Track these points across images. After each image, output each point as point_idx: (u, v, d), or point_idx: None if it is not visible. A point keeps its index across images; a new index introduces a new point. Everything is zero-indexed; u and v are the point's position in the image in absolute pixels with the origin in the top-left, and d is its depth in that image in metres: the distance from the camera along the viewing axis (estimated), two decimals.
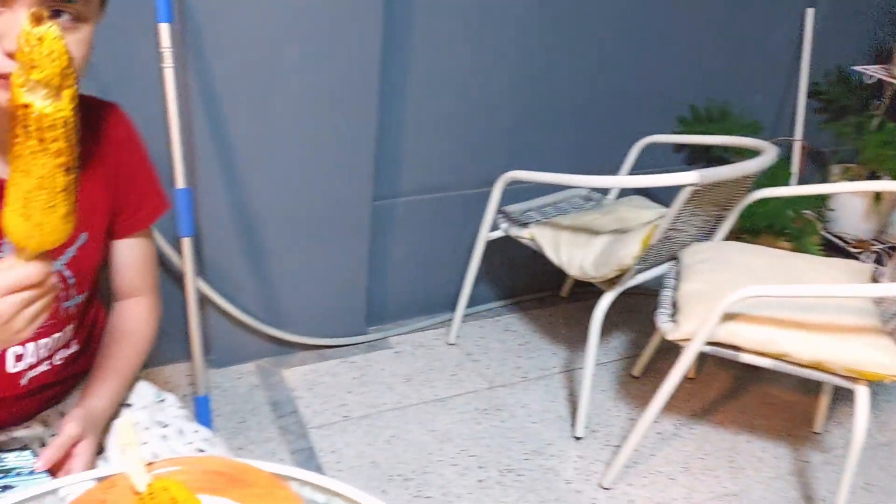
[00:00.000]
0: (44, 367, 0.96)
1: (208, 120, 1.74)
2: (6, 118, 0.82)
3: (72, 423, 0.90)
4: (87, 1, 0.75)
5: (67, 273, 0.93)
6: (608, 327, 2.32)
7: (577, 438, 1.92)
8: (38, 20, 0.58)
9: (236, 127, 1.77)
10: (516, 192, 2.12)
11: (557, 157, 2.32)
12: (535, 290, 2.53)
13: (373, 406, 1.99)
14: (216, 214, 1.86)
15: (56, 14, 0.73)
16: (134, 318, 1.06)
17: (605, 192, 2.29)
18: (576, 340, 2.32)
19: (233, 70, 1.70)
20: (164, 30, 1.54)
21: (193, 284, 1.79)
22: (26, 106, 0.62)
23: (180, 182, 1.68)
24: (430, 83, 2.03)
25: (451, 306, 2.36)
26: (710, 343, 1.56)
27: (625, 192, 2.27)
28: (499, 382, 2.11)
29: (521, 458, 1.85)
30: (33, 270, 0.68)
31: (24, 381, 0.94)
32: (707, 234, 1.95)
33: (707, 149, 2.49)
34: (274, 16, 1.68)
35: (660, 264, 1.91)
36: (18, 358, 0.92)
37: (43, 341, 0.93)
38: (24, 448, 0.93)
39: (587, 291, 2.51)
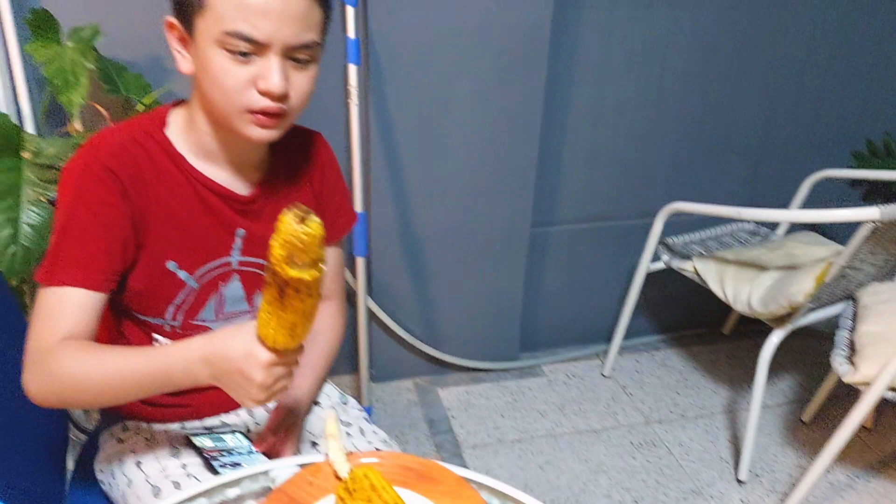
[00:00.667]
0: None
1: (384, 151, 1.87)
2: (254, 150, 0.97)
3: (282, 412, 1.01)
4: (318, 46, 0.88)
5: None
6: (774, 368, 2.22)
7: (740, 482, 1.85)
8: (302, 219, 0.69)
9: (408, 157, 1.90)
10: (677, 224, 2.10)
11: (722, 190, 2.28)
12: (695, 325, 2.47)
13: (525, 431, 2.02)
14: (386, 237, 1.99)
15: (295, 60, 0.86)
16: (326, 319, 1.16)
17: (772, 227, 2.21)
18: (739, 380, 2.24)
19: (408, 106, 1.83)
20: (353, 70, 1.69)
21: (364, 301, 1.92)
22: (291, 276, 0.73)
23: (358, 207, 1.82)
24: (591, 114, 2.06)
25: (605, 337, 2.36)
26: (892, 389, 1.47)
27: (794, 228, 2.18)
28: (655, 418, 2.08)
29: (679, 496, 1.81)
30: (293, 359, 0.82)
31: None
32: (888, 274, 1.83)
33: (887, 185, 2.34)
34: (448, 57, 1.80)
35: (834, 303, 1.82)
36: None
37: None
38: (236, 431, 1.05)
39: (751, 329, 2.42)
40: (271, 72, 0.84)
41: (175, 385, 0.83)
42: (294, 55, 0.86)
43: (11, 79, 1.59)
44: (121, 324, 1.02)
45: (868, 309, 1.65)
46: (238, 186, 0.98)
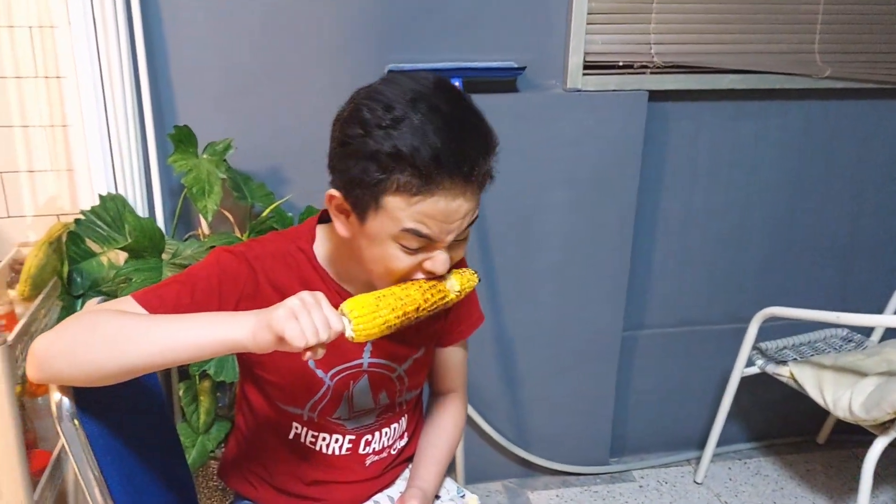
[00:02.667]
0: (383, 455, 1.13)
1: (479, 253, 1.96)
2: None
3: (414, 501, 1.05)
4: (476, 217, 0.93)
5: (405, 376, 1.12)
6: (876, 478, 2.14)
7: None
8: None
9: (502, 259, 1.98)
10: (768, 330, 2.10)
11: (812, 296, 2.28)
12: (788, 433, 2.41)
13: None
14: (479, 338, 2.04)
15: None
16: (450, 412, 1.21)
17: (867, 333, 2.18)
18: (838, 491, 2.15)
19: (504, 209, 1.93)
20: None
21: None
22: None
23: None
24: (680, 220, 2.13)
25: (696, 443, 2.32)
26: None
27: (889, 335, 2.15)
28: None
29: None
30: (339, 327, 0.82)
31: (368, 464, 1.12)
32: None
33: None
34: (545, 164, 1.91)
35: None
36: (367, 443, 1.11)
37: (386, 430, 1.11)
38: None
39: (848, 439, 2.35)
40: (440, 262, 0.91)
41: (198, 332, 0.79)
42: (459, 237, 0.92)
43: (150, 188, 1.76)
44: (264, 408, 1.09)
45: None
46: None
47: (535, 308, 2.04)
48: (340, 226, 0.95)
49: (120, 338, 0.80)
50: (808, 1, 1.95)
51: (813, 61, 1.99)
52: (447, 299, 0.94)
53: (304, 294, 0.80)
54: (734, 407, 2.16)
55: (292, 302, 0.79)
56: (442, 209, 0.86)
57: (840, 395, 1.81)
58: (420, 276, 0.93)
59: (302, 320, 0.78)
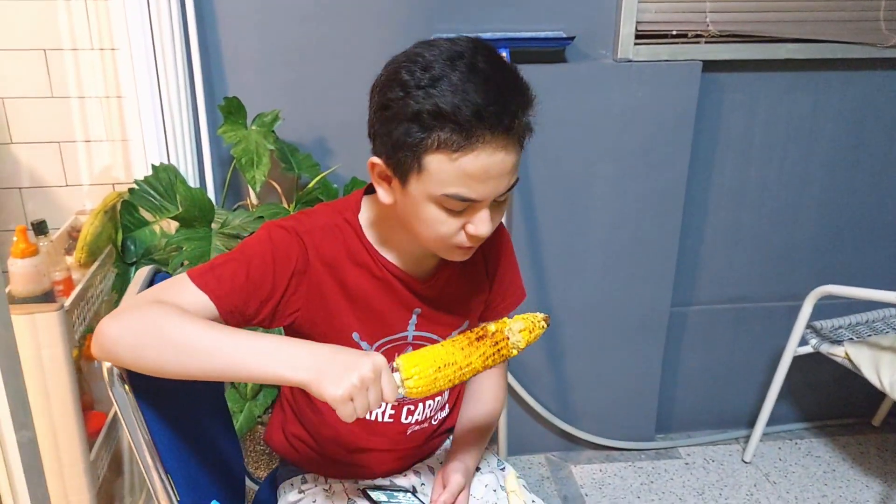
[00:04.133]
0: (425, 425, 1.14)
1: (526, 226, 1.94)
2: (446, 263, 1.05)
3: (457, 475, 1.06)
4: (517, 178, 0.93)
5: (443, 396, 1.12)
6: None
7: None
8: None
9: (548, 233, 1.96)
10: (823, 309, 2.03)
11: (871, 274, 2.20)
12: (842, 415, 2.35)
13: None
14: (526, 310, 2.03)
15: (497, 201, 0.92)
16: (489, 388, 1.22)
17: None
18: (893, 475, 2.10)
19: (552, 184, 1.91)
20: None
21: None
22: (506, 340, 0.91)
23: None
24: (733, 195, 2.07)
25: (745, 422, 2.28)
26: None
27: None
28: None
29: None
30: (393, 399, 0.84)
31: (409, 433, 1.13)
32: None
33: None
34: (594, 137, 1.87)
35: None
36: (409, 412, 1.12)
37: (429, 402, 1.12)
38: (406, 491, 1.11)
39: None
40: (482, 222, 0.90)
41: (258, 363, 0.81)
42: (500, 198, 0.91)
43: (200, 158, 1.80)
44: None
45: None
46: (418, 272, 1.06)
47: (581, 282, 2.02)
48: (384, 193, 0.95)
49: (186, 350, 0.83)
50: None
51: (878, 29, 1.90)
52: (511, 356, 0.93)
53: (365, 369, 0.80)
54: (785, 386, 2.12)
55: (352, 378, 0.79)
56: (484, 164, 0.85)
57: None
58: (465, 242, 0.93)
59: (358, 402, 0.80)
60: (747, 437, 2.19)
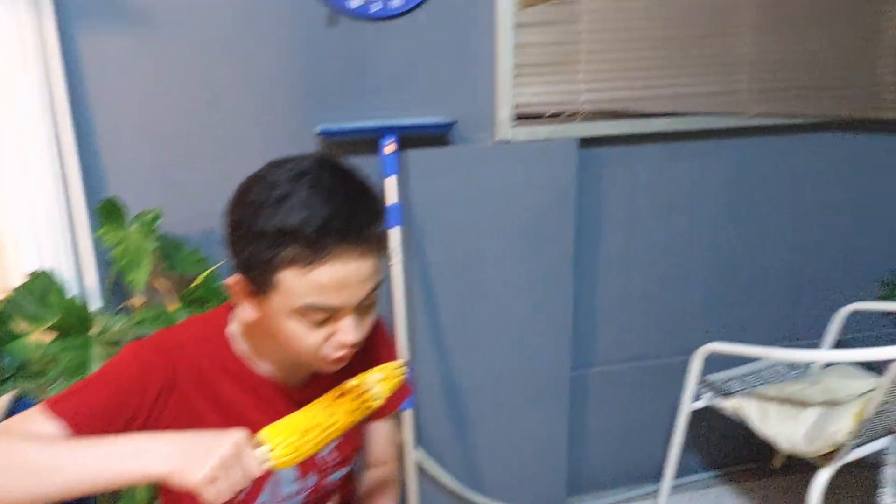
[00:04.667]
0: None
1: (425, 306, 1.96)
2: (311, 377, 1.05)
3: None
4: (379, 282, 0.94)
5: (335, 454, 1.11)
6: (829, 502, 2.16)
7: None
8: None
9: (447, 310, 1.98)
10: (717, 361, 2.12)
11: (758, 326, 2.31)
12: (746, 460, 2.43)
13: None
14: (430, 387, 2.04)
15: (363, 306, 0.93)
16: (382, 483, 1.22)
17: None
18: None
19: (447, 262, 1.94)
20: (395, 232, 1.81)
21: (412, 454, 1.95)
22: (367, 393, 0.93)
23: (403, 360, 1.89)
24: (622, 261, 2.15)
25: (655, 476, 2.33)
26: None
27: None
28: None
29: None
30: (258, 473, 0.84)
31: None
32: None
33: None
34: (481, 216, 1.92)
35: (877, 438, 1.80)
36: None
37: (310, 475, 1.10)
38: None
39: (801, 463, 2.36)
40: (348, 330, 0.91)
41: (118, 464, 0.80)
42: (364, 304, 0.93)
43: (78, 261, 1.74)
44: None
45: None
46: (293, 379, 1.05)
47: (481, 354, 2.05)
48: (247, 308, 0.96)
49: (35, 471, 0.79)
50: (736, 42, 1.99)
51: (744, 100, 2.03)
52: (374, 407, 0.95)
53: (225, 448, 0.80)
54: (691, 438, 2.18)
55: (212, 460, 0.79)
56: (338, 275, 0.87)
57: (782, 427, 1.84)
58: (335, 353, 0.93)
59: (221, 484, 0.79)
60: (658, 492, 2.24)
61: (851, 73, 2.09)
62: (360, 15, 1.75)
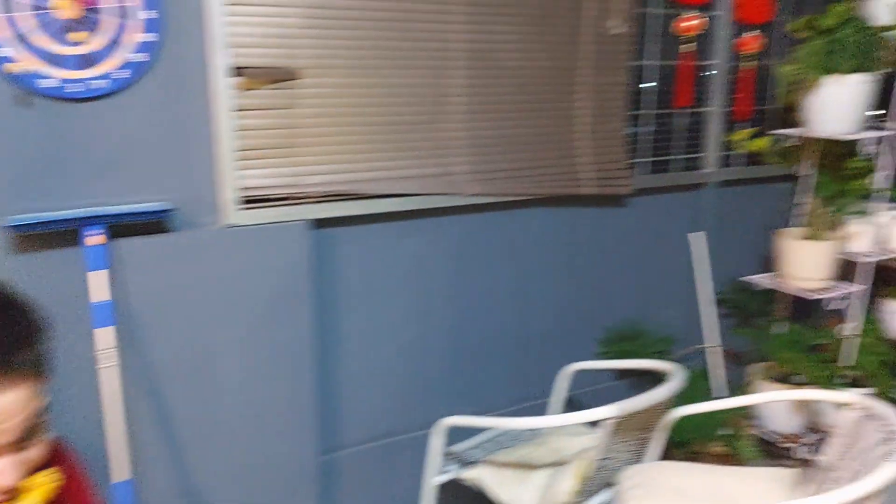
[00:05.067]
0: None
1: (149, 409, 1.80)
2: None
3: None
4: (37, 410, 0.83)
5: None
6: None
7: None
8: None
9: (179, 408, 1.84)
10: (463, 429, 2.18)
11: (495, 389, 2.44)
12: None
13: None
14: (164, 494, 1.86)
15: None
16: None
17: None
18: None
19: (172, 359, 1.80)
20: (103, 333, 1.64)
21: None
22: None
23: (124, 474, 1.70)
24: (365, 336, 2.17)
25: None
26: None
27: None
28: None
29: None
30: None
31: None
32: (640, 456, 2.02)
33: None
34: (208, 304, 1.82)
35: (601, 491, 1.95)
36: None
37: None
38: None
39: None
40: None
41: None
42: (14, 440, 0.81)
43: None
44: None
45: (623, 495, 1.80)
46: None
47: (220, 450, 1.91)
48: None
49: None
50: (450, 127, 2.13)
51: (460, 181, 2.17)
52: None
53: None
54: None
55: None
56: None
57: (515, 493, 1.92)
58: None
59: None
60: None
61: (554, 155, 2.33)
62: (56, 96, 1.61)
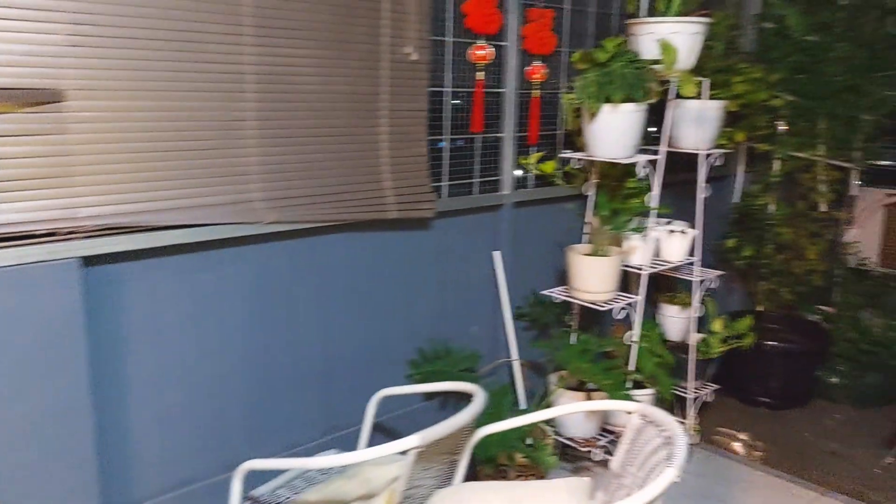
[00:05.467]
0: None
1: None
2: None
3: None
4: None
5: None
6: None
7: None
8: None
9: None
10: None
11: (305, 420, 2.36)
12: None
13: None
14: None
15: None
16: None
17: (354, 448, 2.33)
18: None
19: None
20: None
21: None
22: None
23: None
24: (155, 379, 1.99)
25: None
26: None
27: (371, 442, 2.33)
28: None
29: None
30: None
31: None
32: (447, 479, 2.04)
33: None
34: None
35: None
36: None
37: None
38: None
39: None
40: None
41: None
42: None
43: None
44: None
45: None
46: None
47: None
48: None
49: None
50: (243, 153, 2.03)
51: (257, 209, 2.07)
52: None
53: None
54: None
55: None
56: None
57: None
58: None
59: None
60: None
61: (357, 180, 2.31)
62: None
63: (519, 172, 2.83)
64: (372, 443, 2.40)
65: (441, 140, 2.60)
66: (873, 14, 3.91)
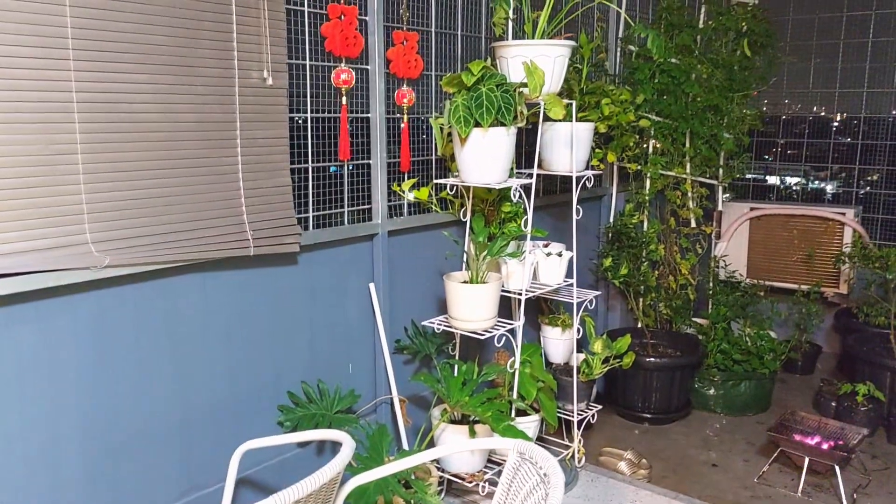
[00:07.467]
0: None
1: None
2: None
3: None
4: None
5: None
6: None
7: None
8: None
9: None
10: None
11: (159, 483, 2.13)
12: None
13: None
14: None
15: None
16: None
17: None
18: None
19: None
20: None
21: None
22: None
23: None
24: None
25: None
26: None
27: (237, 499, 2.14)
28: None
29: None
30: None
31: None
32: None
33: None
34: None
35: None
36: None
37: None
38: None
39: None
40: None
41: None
42: None
43: None
44: None
45: None
46: None
47: None
48: None
49: None
50: (71, 190, 1.81)
51: (89, 252, 1.86)
52: None
53: None
54: None
55: None
56: None
57: None
58: None
59: None
60: None
61: (213, 215, 2.12)
62: None
63: (392, 201, 2.73)
64: (238, 500, 2.21)
65: (333, 165, 2.47)
66: (729, 36, 4.11)
